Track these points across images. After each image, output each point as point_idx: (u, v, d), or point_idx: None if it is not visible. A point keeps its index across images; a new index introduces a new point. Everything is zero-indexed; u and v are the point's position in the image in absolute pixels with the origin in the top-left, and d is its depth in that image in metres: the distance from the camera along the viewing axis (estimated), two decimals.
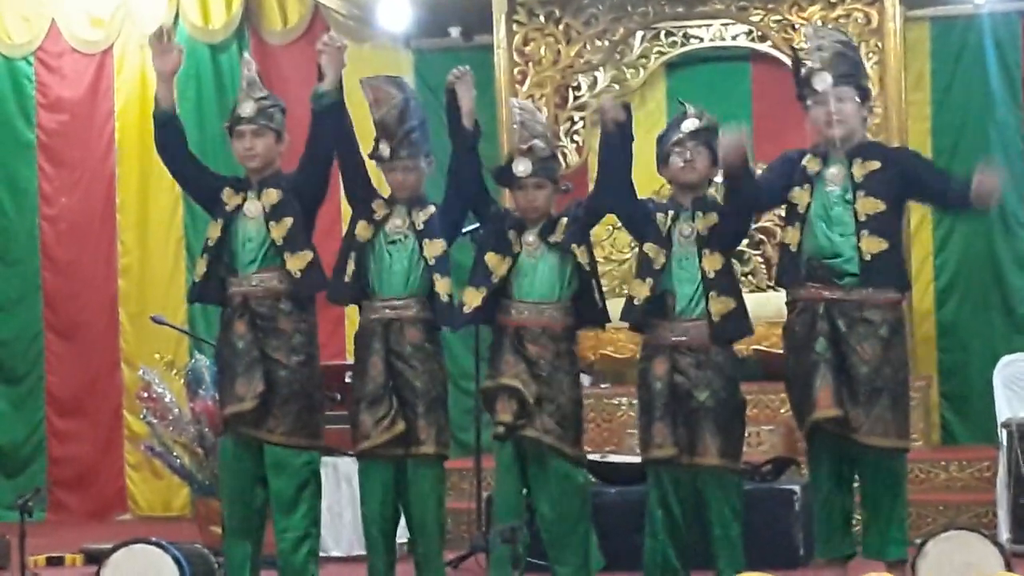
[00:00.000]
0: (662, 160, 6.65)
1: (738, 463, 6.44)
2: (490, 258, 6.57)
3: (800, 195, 6.39)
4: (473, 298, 6.54)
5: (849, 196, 6.30)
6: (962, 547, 5.60)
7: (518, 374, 6.41)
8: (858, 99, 6.44)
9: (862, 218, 6.23)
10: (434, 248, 6.67)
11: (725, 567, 6.21)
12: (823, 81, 6.35)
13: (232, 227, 6.72)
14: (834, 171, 6.37)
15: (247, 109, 6.85)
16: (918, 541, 5.98)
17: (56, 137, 11.23)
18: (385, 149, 6.94)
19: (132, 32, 11.09)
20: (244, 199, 6.73)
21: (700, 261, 6.38)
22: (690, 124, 6.58)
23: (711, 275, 6.36)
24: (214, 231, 6.75)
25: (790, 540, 7.36)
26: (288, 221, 6.66)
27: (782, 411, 9.05)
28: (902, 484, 6.37)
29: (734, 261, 6.85)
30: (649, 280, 6.42)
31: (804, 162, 6.44)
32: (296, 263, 6.62)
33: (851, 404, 6.16)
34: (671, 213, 6.51)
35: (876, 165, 6.31)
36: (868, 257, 6.21)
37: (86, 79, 11.23)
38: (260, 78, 7.19)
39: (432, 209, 6.87)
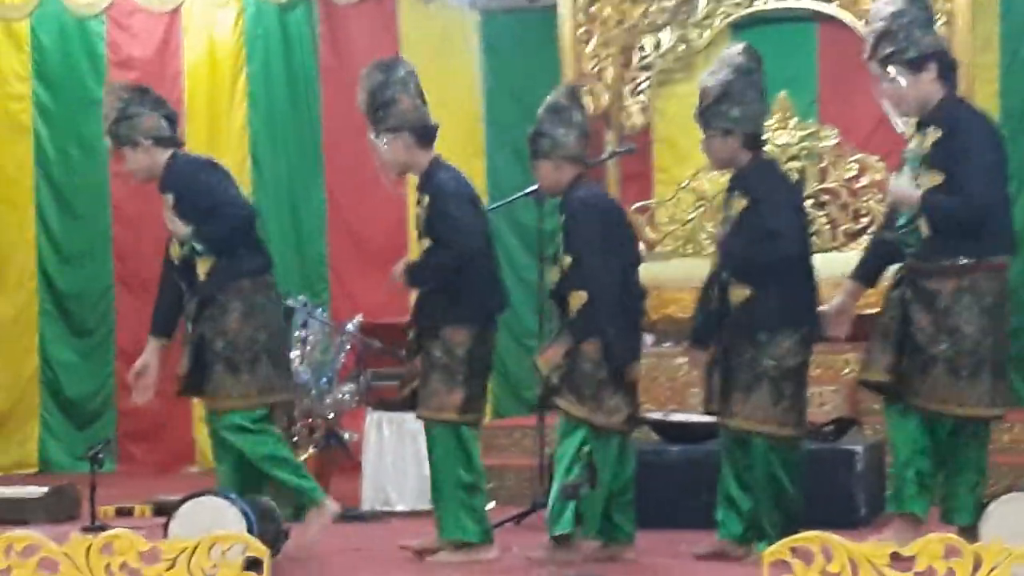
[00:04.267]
0: None
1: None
2: None
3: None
4: None
5: (919, 169, 6.28)
6: None
7: None
8: (909, 72, 6.29)
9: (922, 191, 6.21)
10: None
11: None
12: (872, 69, 6.37)
13: None
14: (912, 145, 6.38)
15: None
16: (983, 502, 5.93)
17: None
18: (369, 131, 6.91)
19: None
20: None
21: None
22: None
23: None
24: None
25: (851, 500, 7.32)
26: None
27: (844, 372, 9.05)
28: (974, 450, 6.35)
29: None
30: None
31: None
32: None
33: (908, 370, 6.20)
34: None
35: (939, 134, 6.23)
36: (925, 231, 6.18)
37: (155, 38, 11.29)
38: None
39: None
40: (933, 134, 6.23)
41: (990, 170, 6.21)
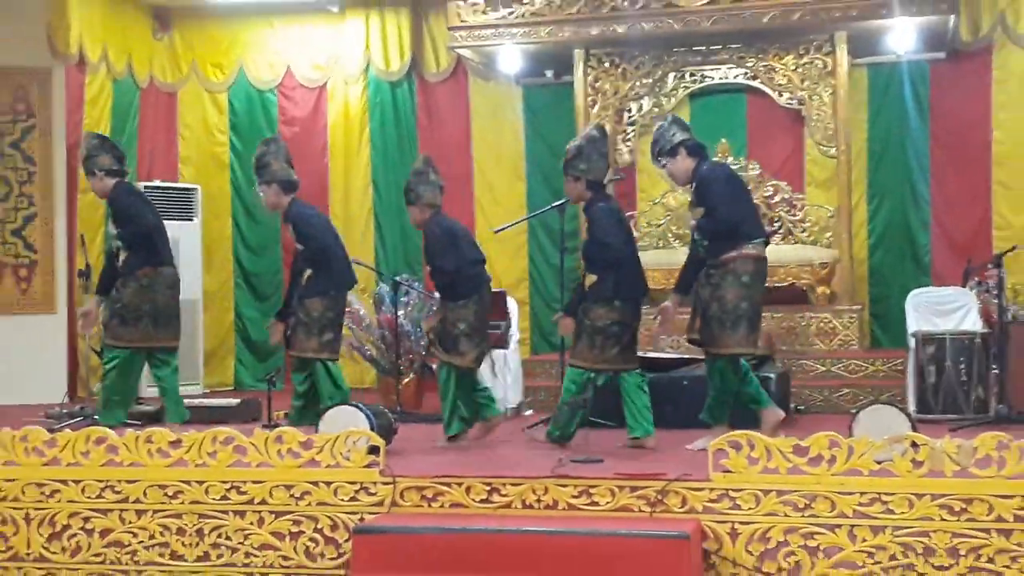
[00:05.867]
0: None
1: None
2: None
3: None
4: None
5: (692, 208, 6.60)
6: (882, 415, 5.53)
7: None
8: (668, 158, 6.59)
9: (693, 220, 6.56)
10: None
11: None
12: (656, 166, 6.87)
13: None
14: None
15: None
16: (853, 411, 5.91)
17: (290, 141, 11.15)
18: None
19: (339, 74, 11.13)
20: None
21: None
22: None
23: None
24: None
25: None
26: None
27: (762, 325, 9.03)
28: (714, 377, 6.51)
29: None
30: None
31: None
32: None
33: (702, 327, 6.46)
34: None
35: (694, 186, 6.52)
36: (705, 242, 6.42)
37: (310, 104, 11.26)
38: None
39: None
40: (693, 188, 6.55)
41: (724, 196, 6.35)
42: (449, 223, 7.02)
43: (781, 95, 9.58)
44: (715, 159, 6.90)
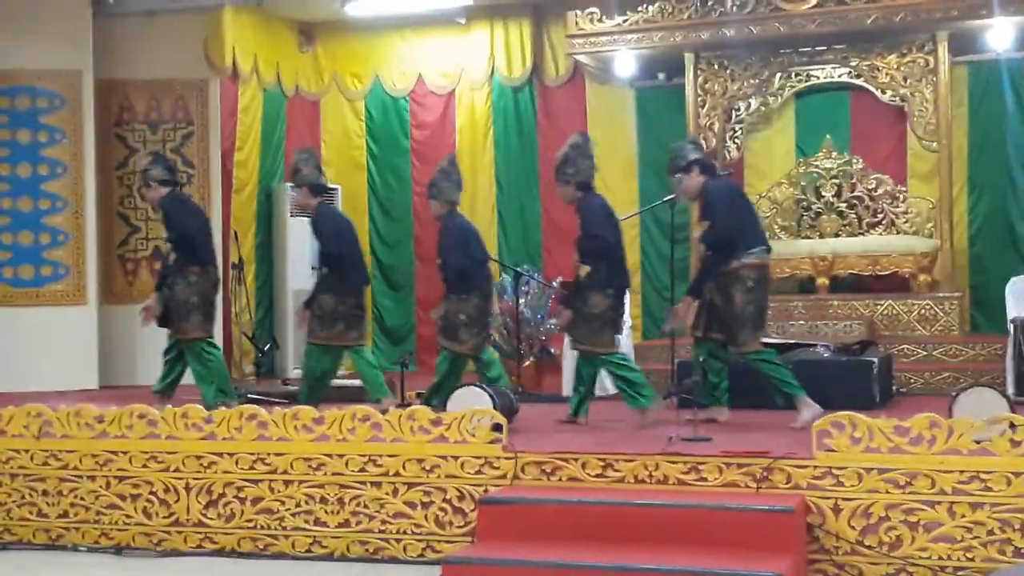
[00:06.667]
0: None
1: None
2: None
3: None
4: None
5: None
6: (982, 397, 5.37)
7: None
8: (682, 174, 6.64)
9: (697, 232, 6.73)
10: None
11: None
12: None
13: None
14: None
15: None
16: (954, 393, 5.75)
17: (421, 144, 11.42)
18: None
19: (466, 81, 11.20)
20: None
21: None
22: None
23: None
24: None
25: (870, 392, 7.11)
26: None
27: (865, 312, 8.86)
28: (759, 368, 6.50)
29: None
30: None
31: None
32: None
33: (714, 326, 6.58)
34: None
35: (702, 202, 6.65)
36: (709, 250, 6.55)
37: (439, 109, 11.34)
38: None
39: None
40: (699, 202, 6.67)
41: (724, 210, 6.46)
42: (463, 222, 7.25)
43: (884, 93, 9.37)
44: (723, 177, 6.96)
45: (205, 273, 7.55)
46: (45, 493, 6.02)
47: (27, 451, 6.05)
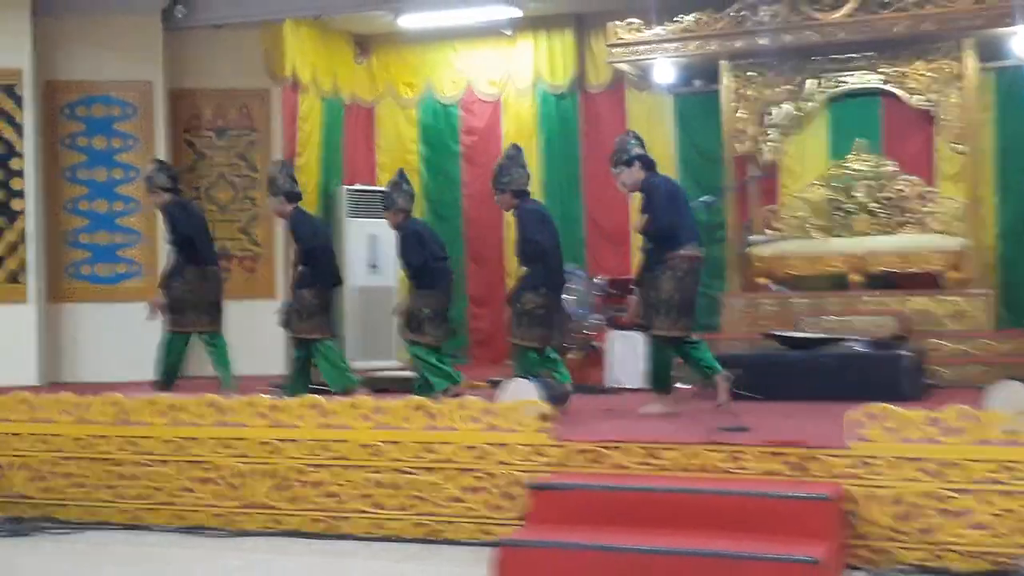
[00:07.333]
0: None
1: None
2: None
3: None
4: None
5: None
6: (1011, 391, 5.28)
7: None
8: (624, 167, 6.63)
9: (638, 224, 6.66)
10: None
11: None
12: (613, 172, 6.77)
13: None
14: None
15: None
16: (984, 387, 5.66)
17: (470, 149, 11.44)
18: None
19: (512, 89, 11.20)
20: None
21: None
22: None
23: None
24: None
25: (900, 385, 7.01)
26: None
27: (897, 307, 8.76)
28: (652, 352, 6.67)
29: None
30: None
31: None
32: None
33: (646, 314, 6.60)
34: None
35: (643, 196, 6.61)
36: (648, 244, 6.59)
37: (487, 115, 11.35)
38: None
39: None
40: (641, 196, 6.63)
41: (664, 207, 6.46)
42: (417, 226, 7.60)
43: (913, 97, 9.27)
44: (662, 173, 6.98)
45: (203, 272, 7.75)
46: (123, 477, 6.10)
47: (107, 437, 6.13)
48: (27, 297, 9.36)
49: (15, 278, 9.36)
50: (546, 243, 6.79)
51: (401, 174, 7.80)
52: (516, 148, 7.15)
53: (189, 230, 7.75)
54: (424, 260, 7.33)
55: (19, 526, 5.87)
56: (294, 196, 7.76)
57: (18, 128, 9.37)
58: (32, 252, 9.39)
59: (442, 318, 7.39)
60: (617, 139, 6.88)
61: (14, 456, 6.24)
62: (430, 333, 7.34)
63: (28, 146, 9.40)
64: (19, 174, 9.38)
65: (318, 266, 7.58)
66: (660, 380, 6.64)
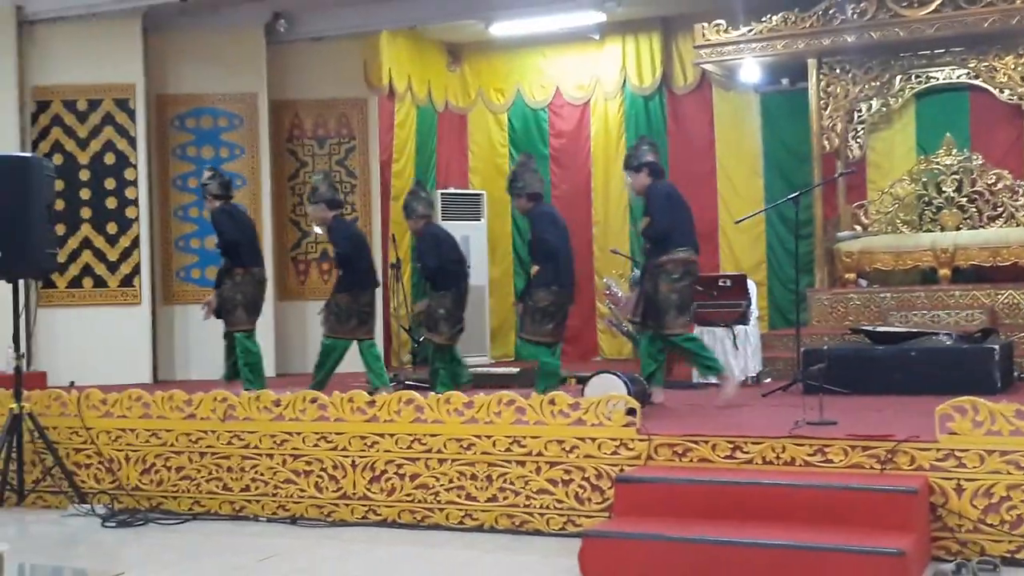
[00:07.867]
0: None
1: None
2: None
3: None
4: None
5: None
6: None
7: None
8: (633, 172, 6.74)
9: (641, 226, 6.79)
10: None
11: None
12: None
13: None
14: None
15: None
16: None
17: (559, 151, 11.46)
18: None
19: (600, 91, 11.18)
20: None
21: None
22: None
23: None
24: None
25: (991, 378, 6.81)
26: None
27: (986, 300, 8.50)
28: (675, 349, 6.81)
29: None
30: None
31: None
32: None
33: (646, 312, 6.72)
34: None
35: (645, 199, 6.72)
36: (647, 245, 6.74)
37: (575, 119, 11.37)
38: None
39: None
40: (644, 200, 6.74)
41: (663, 211, 6.56)
42: (436, 230, 7.73)
43: (1002, 92, 9.03)
44: (667, 180, 6.96)
45: (249, 274, 7.86)
46: (229, 469, 6.24)
47: (214, 432, 6.28)
48: (140, 299, 9.66)
49: (129, 281, 9.67)
50: (557, 243, 6.90)
51: (418, 183, 8.10)
52: (528, 156, 7.34)
53: (235, 235, 7.89)
54: (440, 263, 7.50)
55: (131, 517, 6.04)
56: (335, 204, 7.87)
57: (131, 140, 9.67)
58: (145, 257, 9.68)
59: (456, 318, 7.55)
60: (634, 143, 7.08)
61: (129, 450, 6.42)
62: (444, 332, 7.52)
63: (140, 157, 9.70)
64: (133, 183, 9.68)
65: (354, 271, 7.73)
66: (710, 365, 6.76)
